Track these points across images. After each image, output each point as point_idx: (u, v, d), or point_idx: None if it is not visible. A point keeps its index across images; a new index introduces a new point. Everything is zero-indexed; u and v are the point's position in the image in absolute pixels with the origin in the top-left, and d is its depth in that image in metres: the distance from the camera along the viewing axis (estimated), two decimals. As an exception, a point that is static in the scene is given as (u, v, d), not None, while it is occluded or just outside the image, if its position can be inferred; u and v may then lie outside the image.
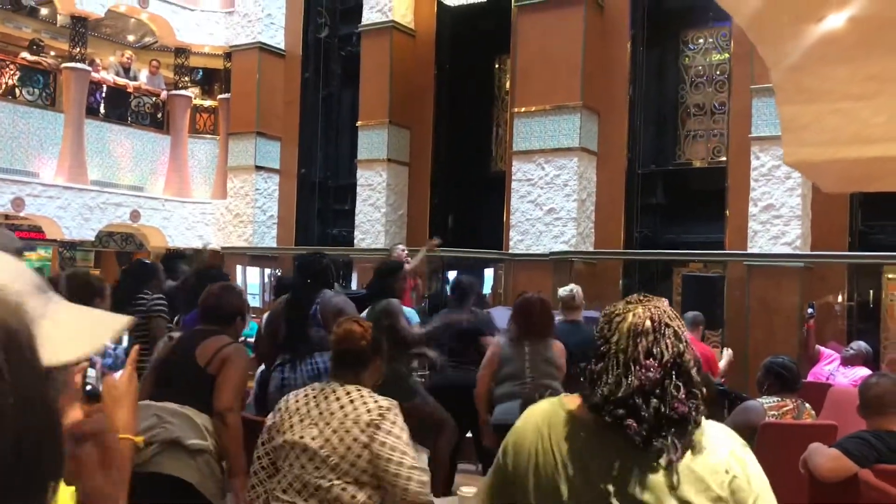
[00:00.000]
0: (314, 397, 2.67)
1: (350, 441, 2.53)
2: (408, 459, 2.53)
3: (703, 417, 1.52)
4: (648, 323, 1.53)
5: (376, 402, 2.61)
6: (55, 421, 0.73)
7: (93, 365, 4.78)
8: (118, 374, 1.59)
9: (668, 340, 1.52)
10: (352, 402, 2.60)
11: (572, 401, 1.62)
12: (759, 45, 2.51)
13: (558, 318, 5.47)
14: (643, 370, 1.48)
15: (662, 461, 1.46)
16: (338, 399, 2.62)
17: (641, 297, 1.61)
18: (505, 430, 4.30)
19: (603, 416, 1.50)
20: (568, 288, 5.66)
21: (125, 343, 5.16)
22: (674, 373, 1.49)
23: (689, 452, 1.48)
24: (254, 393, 5.11)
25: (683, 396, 1.48)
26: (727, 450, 1.52)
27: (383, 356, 2.83)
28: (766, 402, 4.32)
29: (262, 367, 5.09)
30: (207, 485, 3.12)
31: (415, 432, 4.70)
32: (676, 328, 1.55)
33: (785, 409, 4.29)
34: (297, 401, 2.70)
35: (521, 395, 4.27)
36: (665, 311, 1.56)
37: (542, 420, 1.63)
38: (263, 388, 4.86)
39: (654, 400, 1.46)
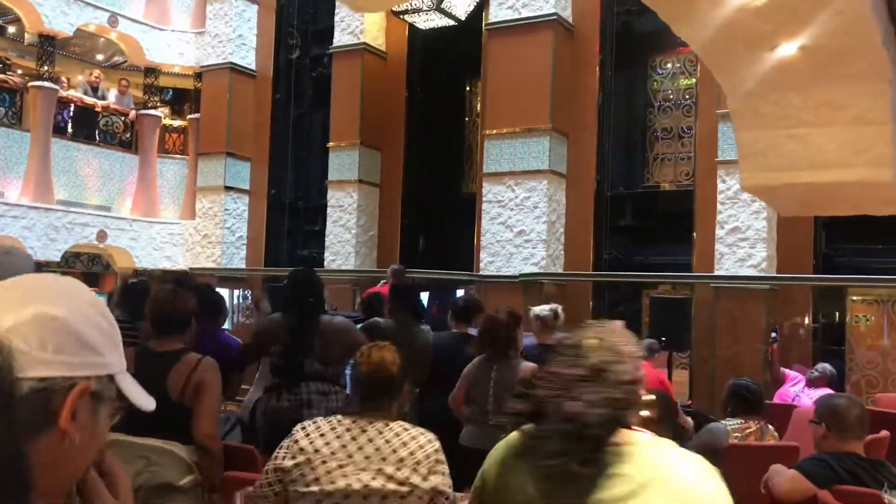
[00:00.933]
0: (350, 437, 2.35)
1: (415, 479, 2.30)
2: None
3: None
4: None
5: (427, 437, 2.39)
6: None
7: None
8: None
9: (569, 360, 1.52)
10: (403, 441, 2.34)
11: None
12: (716, 72, 2.56)
13: (529, 340, 5.29)
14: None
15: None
16: (385, 437, 2.34)
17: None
18: (469, 452, 4.27)
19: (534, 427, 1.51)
20: (548, 307, 5.44)
21: None
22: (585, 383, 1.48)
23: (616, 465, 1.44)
24: (236, 419, 4.97)
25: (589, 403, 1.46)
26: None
27: (408, 381, 2.64)
28: (730, 423, 4.34)
29: (256, 395, 4.94)
30: None
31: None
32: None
33: (748, 430, 4.32)
34: (325, 443, 2.35)
35: (485, 425, 4.22)
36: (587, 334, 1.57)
37: (505, 448, 1.62)
38: (252, 414, 4.74)
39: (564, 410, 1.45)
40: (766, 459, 3.69)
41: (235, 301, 12.28)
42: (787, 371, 7.23)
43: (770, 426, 4.45)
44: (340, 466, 2.29)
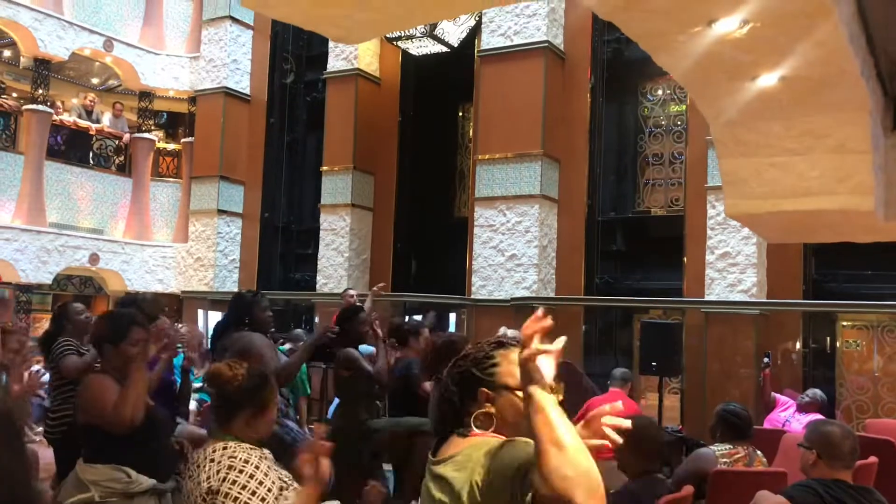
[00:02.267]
0: (201, 453, 2.48)
1: (202, 486, 2.35)
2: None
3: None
4: None
5: (222, 460, 2.38)
6: (34, 492, 0.77)
7: None
8: None
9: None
10: (201, 465, 2.39)
11: None
12: (698, 100, 2.60)
13: None
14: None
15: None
16: (202, 459, 2.41)
17: None
18: None
19: None
20: (511, 332, 5.55)
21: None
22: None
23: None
24: None
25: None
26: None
27: (267, 405, 2.57)
28: (719, 449, 4.35)
29: None
30: None
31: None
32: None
33: (736, 456, 4.32)
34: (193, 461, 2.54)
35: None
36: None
37: None
38: None
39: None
40: (754, 485, 3.68)
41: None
42: (777, 396, 7.23)
43: (758, 452, 4.44)
44: (189, 478, 2.44)
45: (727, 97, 2.50)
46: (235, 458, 2.37)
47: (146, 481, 3.11)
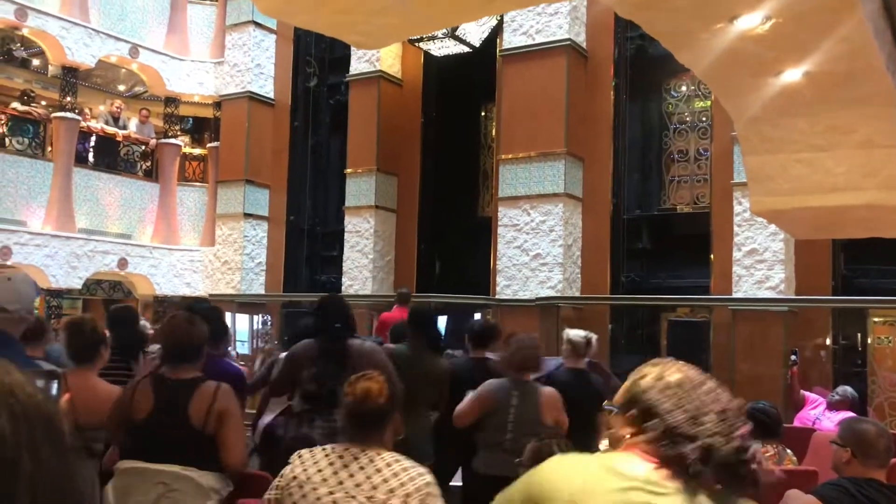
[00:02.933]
0: (342, 465, 2.37)
1: None
2: None
3: None
4: (694, 374, 1.50)
5: (418, 471, 2.36)
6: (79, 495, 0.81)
7: None
8: None
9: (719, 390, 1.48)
10: (395, 473, 2.34)
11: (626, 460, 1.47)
12: (721, 97, 2.58)
13: (555, 361, 5.30)
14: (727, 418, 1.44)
15: None
16: (376, 467, 2.35)
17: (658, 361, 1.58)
18: (490, 480, 4.12)
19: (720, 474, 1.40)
20: (583, 333, 5.36)
21: None
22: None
23: None
24: (254, 444, 4.92)
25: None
26: None
27: (400, 410, 2.64)
28: (748, 448, 4.30)
29: (266, 419, 4.93)
30: None
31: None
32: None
33: (766, 455, 4.28)
34: (318, 470, 2.39)
35: (500, 451, 4.18)
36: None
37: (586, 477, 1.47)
38: (267, 440, 4.72)
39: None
40: (784, 484, 3.64)
41: (255, 326, 12.35)
42: (807, 394, 7.13)
43: (788, 450, 4.40)
44: (330, 493, 2.32)
45: (751, 94, 2.47)
46: (421, 467, 2.39)
47: None
